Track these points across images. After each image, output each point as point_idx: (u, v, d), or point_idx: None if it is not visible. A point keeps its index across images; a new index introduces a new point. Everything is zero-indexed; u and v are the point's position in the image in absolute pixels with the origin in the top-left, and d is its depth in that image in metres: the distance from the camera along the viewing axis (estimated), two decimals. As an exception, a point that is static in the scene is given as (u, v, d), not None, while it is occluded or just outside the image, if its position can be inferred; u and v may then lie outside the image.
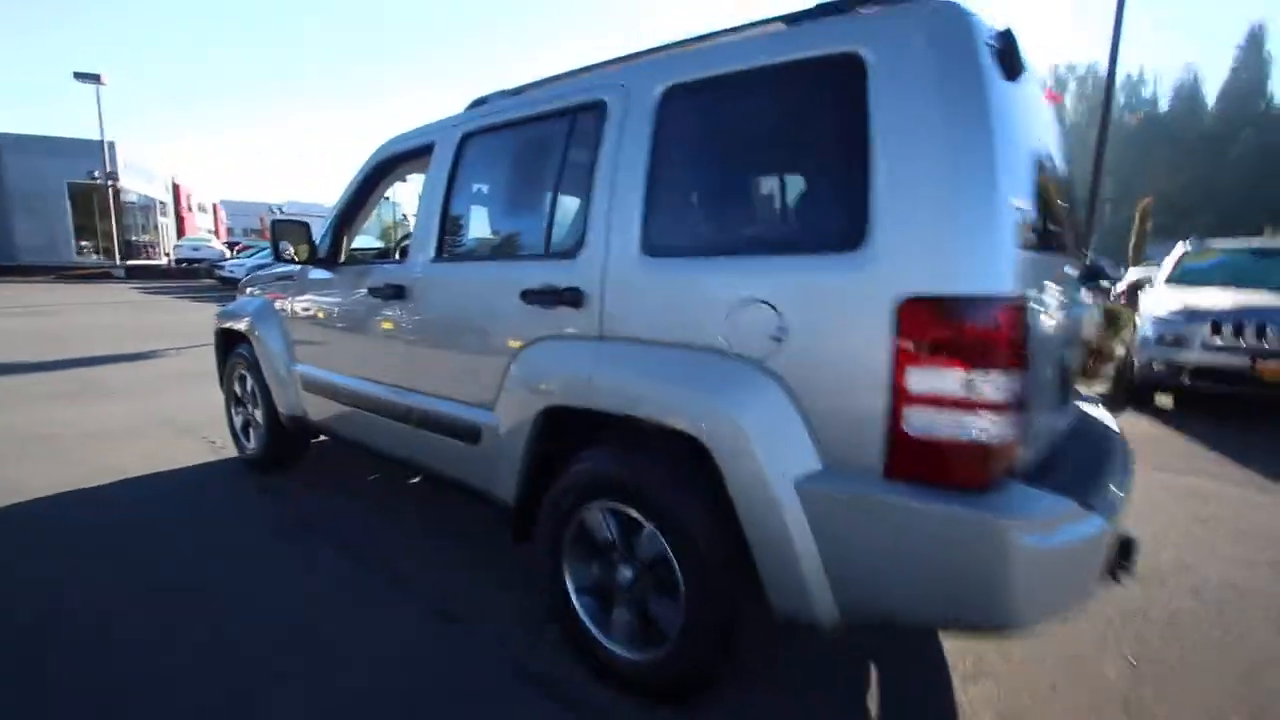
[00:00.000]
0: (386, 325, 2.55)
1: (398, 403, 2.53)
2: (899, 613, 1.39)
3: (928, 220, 1.28)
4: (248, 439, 3.71)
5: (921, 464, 1.31)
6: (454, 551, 2.70)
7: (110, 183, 23.89)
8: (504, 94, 2.37)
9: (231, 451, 3.87)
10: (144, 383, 5.86)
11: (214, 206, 44.36)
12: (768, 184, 1.68)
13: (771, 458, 1.43)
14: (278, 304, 3.35)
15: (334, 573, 2.48)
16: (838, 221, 1.42)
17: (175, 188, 34.03)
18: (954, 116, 1.29)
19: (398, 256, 3.27)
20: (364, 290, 2.64)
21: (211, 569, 2.49)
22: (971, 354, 1.25)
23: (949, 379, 1.26)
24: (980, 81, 1.29)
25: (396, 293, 2.45)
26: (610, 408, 1.72)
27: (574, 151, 1.96)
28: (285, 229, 2.80)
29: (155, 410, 4.88)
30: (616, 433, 1.82)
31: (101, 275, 22.37)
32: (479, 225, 2.45)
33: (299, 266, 3.09)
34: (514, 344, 2.02)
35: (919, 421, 1.29)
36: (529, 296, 1.95)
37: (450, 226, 2.37)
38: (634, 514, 1.72)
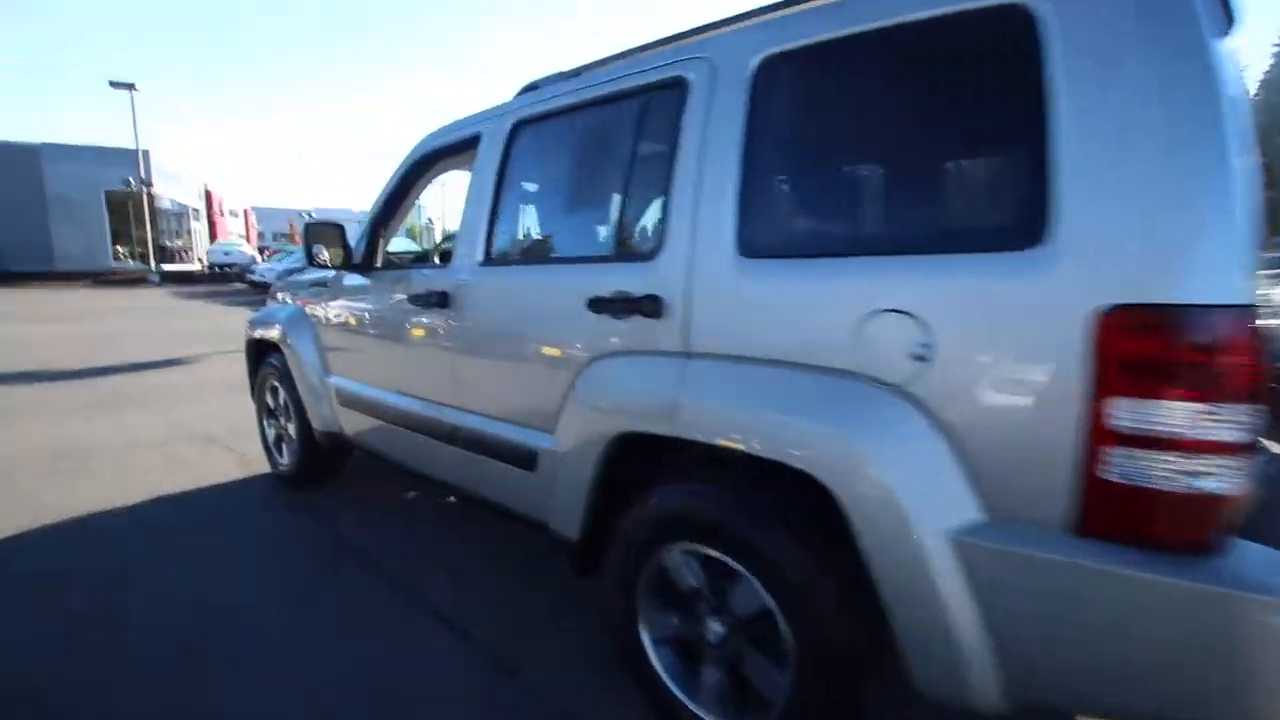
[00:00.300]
0: (428, 336, 2.32)
1: (442, 421, 2.30)
2: (1086, 703, 1.12)
3: (1136, 210, 1.00)
4: (280, 454, 3.53)
5: (1126, 519, 1.03)
6: (490, 575, 2.47)
7: (145, 189, 24.29)
8: (561, 76, 2.12)
9: (264, 466, 3.69)
10: (175, 391, 5.76)
11: (245, 212, 45.19)
12: (903, 168, 1.39)
13: (917, 504, 1.16)
14: (311, 311, 3.16)
15: (370, 606, 2.26)
16: (1006, 212, 1.16)
17: (207, 194, 34.65)
18: (1171, 76, 1.00)
19: (437, 260, 3.06)
20: (403, 297, 2.42)
21: (239, 599, 2.29)
22: (1202, 380, 0.97)
23: (1170, 413, 0.98)
24: (1200, 32, 1.01)
25: (440, 300, 2.22)
26: (701, 437, 1.47)
27: (648, 138, 1.71)
28: (319, 231, 2.60)
29: (187, 421, 4.75)
30: (704, 463, 1.57)
31: (137, 280, 22.74)
32: (535, 225, 2.21)
33: (333, 272, 2.89)
34: (579, 359, 1.77)
35: (1125, 466, 1.01)
36: (597, 305, 1.70)
37: (501, 226, 2.13)
38: (727, 560, 1.46)
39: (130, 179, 24.12)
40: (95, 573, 2.49)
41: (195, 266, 28.37)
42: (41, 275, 22.35)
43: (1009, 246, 1.10)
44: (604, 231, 1.88)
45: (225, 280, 23.55)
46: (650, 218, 1.71)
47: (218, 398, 5.48)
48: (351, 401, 2.85)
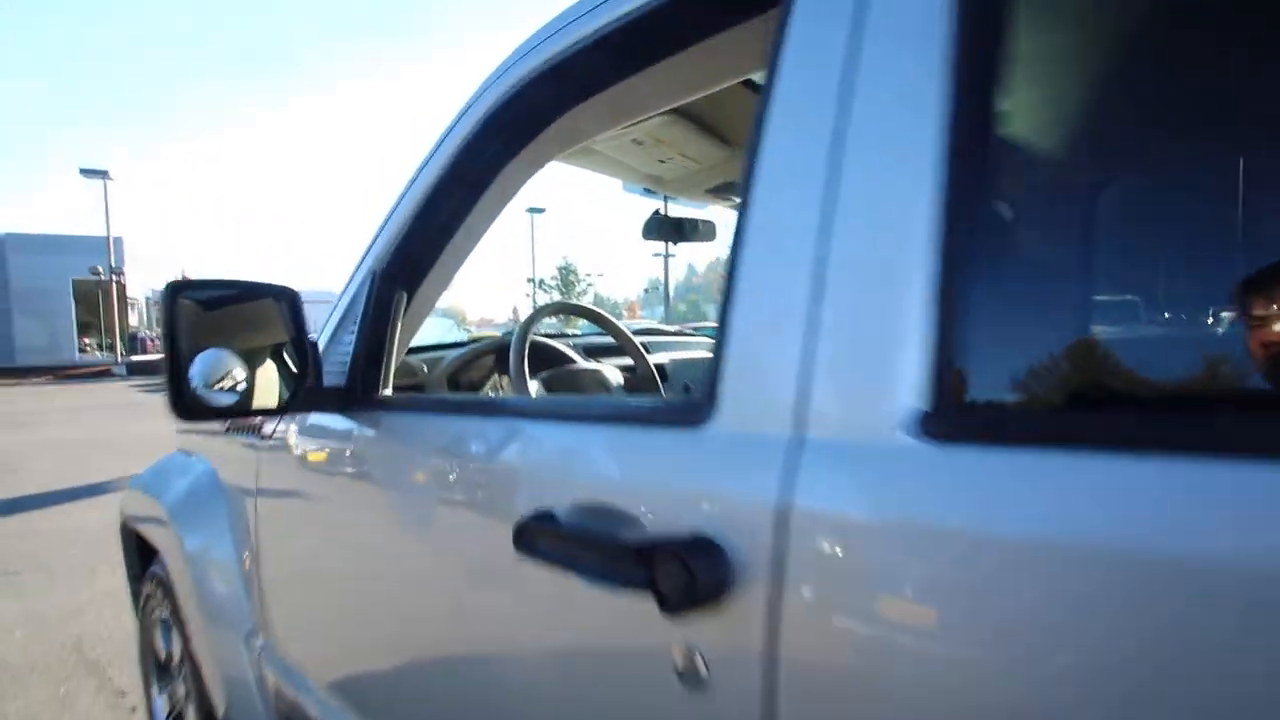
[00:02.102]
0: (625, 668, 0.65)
1: None
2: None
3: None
4: (175, 752, 1.75)
5: None
6: None
7: (115, 278, 22.82)
8: None
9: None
10: (79, 545, 3.96)
11: (227, 298, 44.17)
12: None
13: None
14: (235, 482, 1.45)
15: None
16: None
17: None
18: None
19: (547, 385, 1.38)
20: (508, 526, 0.76)
21: None
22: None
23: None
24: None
25: (693, 587, 0.49)
26: None
27: None
28: (212, 317, 0.89)
29: (70, 614, 3.00)
30: None
31: (101, 373, 20.90)
32: None
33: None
34: None
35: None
36: None
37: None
38: None
39: (99, 267, 22.67)
40: None
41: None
42: (-3, 371, 20.51)
43: None
44: None
45: (198, 370, 21.80)
46: None
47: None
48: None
